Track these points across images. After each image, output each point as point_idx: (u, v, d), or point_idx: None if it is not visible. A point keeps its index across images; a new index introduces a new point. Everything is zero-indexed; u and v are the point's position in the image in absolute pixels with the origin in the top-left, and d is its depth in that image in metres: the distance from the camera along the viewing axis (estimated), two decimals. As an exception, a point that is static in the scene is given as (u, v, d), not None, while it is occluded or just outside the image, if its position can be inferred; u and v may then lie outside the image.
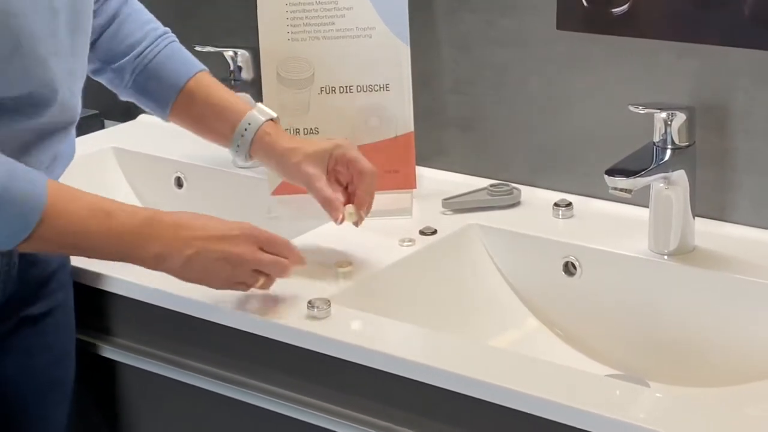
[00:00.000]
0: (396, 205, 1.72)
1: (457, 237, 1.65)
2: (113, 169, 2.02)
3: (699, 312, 1.52)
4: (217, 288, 1.43)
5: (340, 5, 1.72)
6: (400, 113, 1.73)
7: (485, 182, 1.76)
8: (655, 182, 1.53)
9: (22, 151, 1.37)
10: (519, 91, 1.76)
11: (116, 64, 1.58)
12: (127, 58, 1.58)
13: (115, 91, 1.62)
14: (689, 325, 1.53)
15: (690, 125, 1.52)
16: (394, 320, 1.43)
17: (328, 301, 1.43)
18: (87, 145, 1.99)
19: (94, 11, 1.48)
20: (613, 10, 1.63)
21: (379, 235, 1.62)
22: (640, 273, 1.56)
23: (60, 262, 1.53)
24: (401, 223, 1.69)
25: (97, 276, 1.57)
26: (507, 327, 1.63)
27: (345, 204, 1.53)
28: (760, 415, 1.43)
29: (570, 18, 1.68)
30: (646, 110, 1.51)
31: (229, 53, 1.93)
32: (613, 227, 1.64)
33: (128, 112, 2.06)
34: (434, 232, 1.65)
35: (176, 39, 1.62)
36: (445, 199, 1.72)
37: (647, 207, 1.57)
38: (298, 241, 1.58)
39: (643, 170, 1.49)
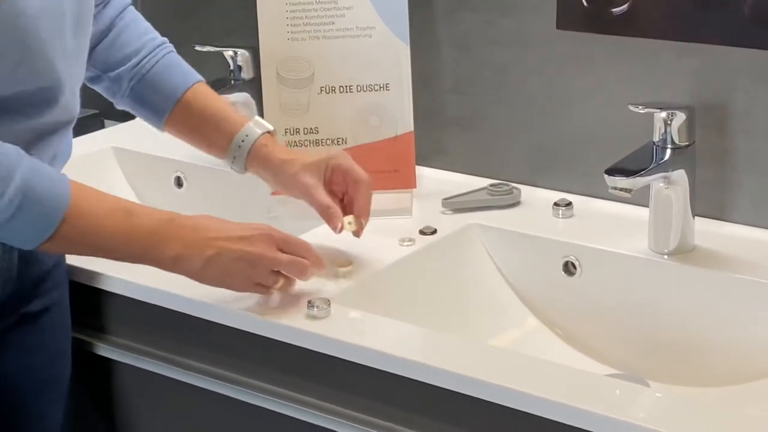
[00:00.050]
0: (396, 205, 1.72)
1: (457, 237, 1.65)
2: (113, 168, 2.02)
3: (699, 311, 1.52)
4: (236, 290, 1.43)
5: (339, 5, 1.72)
6: (400, 113, 1.73)
7: (485, 182, 1.76)
8: (655, 182, 1.53)
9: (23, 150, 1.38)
10: (519, 91, 1.76)
11: (113, 73, 1.58)
12: (125, 66, 1.58)
13: (111, 99, 1.62)
14: (689, 325, 1.53)
15: (690, 125, 1.52)
16: (394, 320, 1.43)
17: (328, 300, 1.43)
18: (87, 145, 1.99)
19: (93, 16, 1.48)
20: (612, 9, 1.63)
21: (379, 235, 1.62)
22: (640, 273, 1.56)
23: (55, 261, 1.53)
24: (401, 222, 1.69)
25: (93, 274, 1.57)
26: (507, 327, 1.63)
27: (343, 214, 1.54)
28: (760, 414, 1.43)
29: (570, 18, 1.68)
30: (646, 110, 1.52)
31: (228, 53, 1.93)
32: (613, 227, 1.64)
33: (128, 112, 2.06)
34: (434, 231, 1.65)
35: (174, 49, 1.62)
36: (445, 199, 1.72)
37: (647, 207, 1.57)
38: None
39: (643, 170, 1.49)
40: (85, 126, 2.03)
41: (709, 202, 1.62)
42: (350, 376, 1.39)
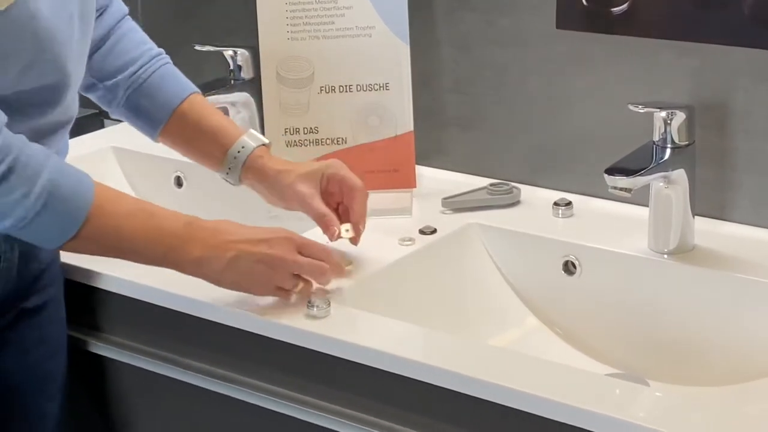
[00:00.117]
0: (396, 205, 1.72)
1: (457, 236, 1.65)
2: (113, 168, 2.02)
3: (699, 311, 1.52)
4: (256, 293, 1.44)
5: (339, 4, 1.72)
6: (399, 112, 1.73)
7: (485, 181, 1.76)
8: (654, 181, 1.53)
9: None
10: (519, 91, 1.76)
11: (109, 82, 1.59)
12: (121, 75, 1.59)
13: (106, 108, 1.63)
14: (689, 324, 1.53)
15: (690, 124, 1.52)
16: (394, 319, 1.43)
17: (328, 300, 1.43)
18: (87, 144, 1.99)
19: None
20: (612, 9, 1.63)
21: (379, 235, 1.62)
22: (639, 272, 1.56)
23: (51, 257, 1.54)
24: (401, 222, 1.69)
25: (87, 272, 1.57)
26: (507, 326, 1.63)
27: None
28: (759, 414, 1.43)
29: (569, 17, 1.68)
30: (646, 109, 1.52)
31: (228, 52, 1.93)
32: (613, 226, 1.64)
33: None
34: (434, 231, 1.65)
35: (170, 60, 1.62)
36: (445, 199, 1.72)
37: (647, 206, 1.57)
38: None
39: (643, 169, 1.49)
40: (85, 126, 2.03)
41: (709, 202, 1.62)
42: (350, 375, 1.39)
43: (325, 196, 1.54)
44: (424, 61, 1.81)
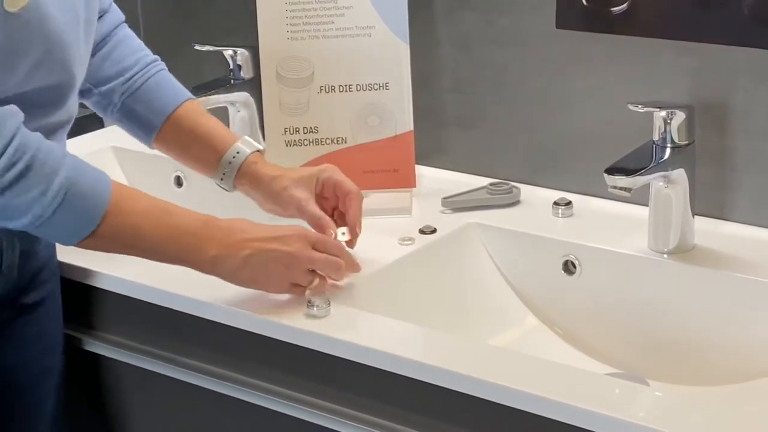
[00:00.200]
0: (395, 204, 1.72)
1: (457, 236, 1.65)
2: (113, 168, 2.02)
3: (698, 310, 1.52)
4: (272, 291, 1.44)
5: (339, 4, 1.72)
6: (399, 112, 1.73)
7: (485, 181, 1.76)
8: (654, 181, 1.53)
9: None
10: (519, 91, 1.76)
11: (105, 87, 1.59)
12: (117, 81, 1.59)
13: (101, 114, 1.63)
14: (689, 324, 1.53)
15: (689, 124, 1.52)
16: (394, 319, 1.43)
17: (328, 300, 1.43)
18: (87, 144, 1.99)
19: None
20: (612, 8, 1.63)
21: (379, 234, 1.62)
22: (639, 272, 1.56)
23: (49, 253, 1.55)
24: (401, 221, 1.69)
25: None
26: (506, 326, 1.63)
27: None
28: (759, 413, 1.43)
29: (569, 17, 1.68)
30: (646, 109, 1.52)
31: (228, 52, 1.93)
32: (613, 226, 1.64)
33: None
34: (434, 230, 1.65)
35: (165, 67, 1.63)
36: (445, 198, 1.72)
37: (647, 206, 1.57)
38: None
39: (643, 169, 1.49)
40: (85, 126, 2.03)
41: (709, 202, 1.62)
42: (350, 375, 1.39)
43: (320, 200, 1.55)
44: (424, 61, 1.81)
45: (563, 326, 1.62)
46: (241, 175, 1.57)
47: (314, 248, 1.44)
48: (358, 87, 1.74)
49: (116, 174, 2.02)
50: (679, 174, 1.52)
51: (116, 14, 1.62)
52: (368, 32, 1.73)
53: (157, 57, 1.63)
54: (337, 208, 1.56)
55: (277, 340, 1.43)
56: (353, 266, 1.49)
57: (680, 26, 1.59)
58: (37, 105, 1.38)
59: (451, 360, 1.33)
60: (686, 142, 1.52)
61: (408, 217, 1.71)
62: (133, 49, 1.61)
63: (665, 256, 1.55)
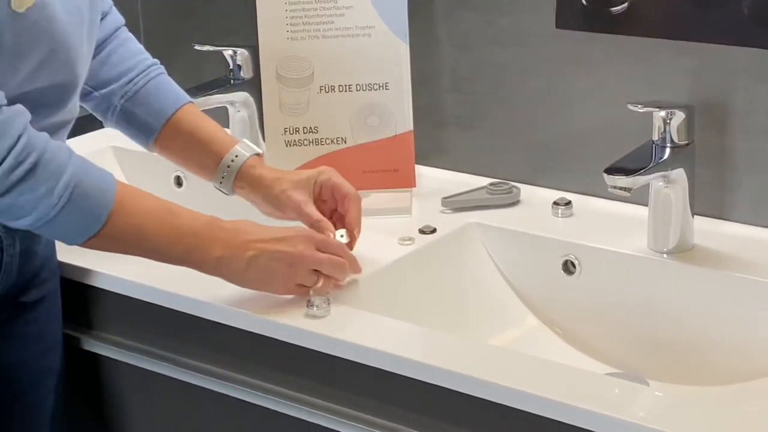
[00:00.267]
0: (395, 204, 1.72)
1: (457, 236, 1.65)
2: (112, 168, 2.02)
3: (698, 310, 1.52)
4: (277, 291, 1.44)
5: (339, 4, 1.72)
6: (399, 112, 1.73)
7: (485, 181, 1.76)
8: (654, 181, 1.53)
9: None
10: (519, 90, 1.76)
11: (105, 90, 1.60)
12: (117, 84, 1.60)
13: (100, 117, 1.63)
14: (688, 324, 1.53)
15: (689, 124, 1.52)
16: (394, 319, 1.43)
17: (328, 299, 1.43)
18: (86, 144, 1.99)
19: None
20: (612, 8, 1.63)
21: (379, 234, 1.62)
22: (639, 271, 1.56)
23: (49, 252, 1.55)
24: (400, 221, 1.69)
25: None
26: (506, 326, 1.63)
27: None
28: (759, 413, 1.43)
29: (569, 17, 1.68)
30: (645, 109, 1.52)
31: (228, 52, 1.92)
32: (613, 226, 1.64)
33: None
34: (434, 230, 1.65)
35: (165, 71, 1.63)
36: (445, 198, 1.72)
37: (646, 205, 1.57)
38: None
39: (643, 169, 1.49)
40: (85, 126, 2.03)
41: (709, 201, 1.62)
42: (350, 375, 1.39)
43: (318, 203, 1.55)
44: (424, 61, 1.81)
45: (563, 326, 1.62)
46: (240, 178, 1.57)
47: (318, 249, 1.44)
48: (358, 87, 1.74)
49: (116, 174, 2.00)
50: (679, 174, 1.52)
51: (116, 17, 1.62)
52: (368, 32, 1.73)
53: (156, 60, 1.63)
54: (336, 210, 1.56)
55: (277, 339, 1.43)
56: (355, 266, 1.49)
57: (680, 26, 1.59)
58: (41, 104, 1.39)
59: (451, 360, 1.33)
60: (686, 142, 1.52)
61: (408, 217, 1.71)
62: (132, 53, 1.62)
63: (665, 255, 1.55)
